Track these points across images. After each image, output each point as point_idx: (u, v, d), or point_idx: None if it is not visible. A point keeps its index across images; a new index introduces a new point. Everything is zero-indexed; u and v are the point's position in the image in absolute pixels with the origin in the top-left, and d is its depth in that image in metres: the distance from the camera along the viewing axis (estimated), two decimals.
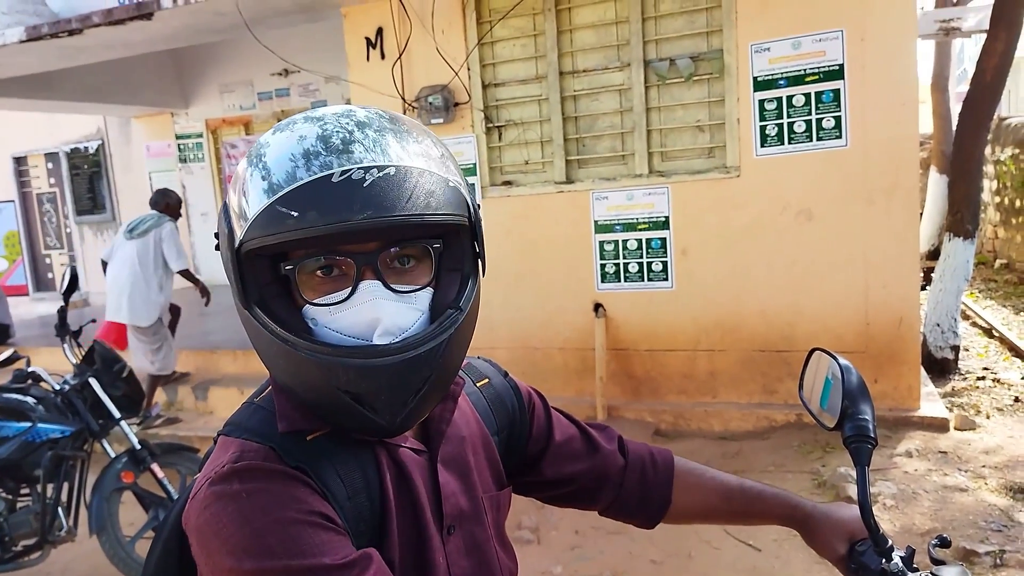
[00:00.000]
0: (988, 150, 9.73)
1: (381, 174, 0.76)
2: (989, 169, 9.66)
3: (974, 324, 6.68)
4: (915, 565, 0.98)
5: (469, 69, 4.85)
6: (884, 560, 0.97)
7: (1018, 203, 8.81)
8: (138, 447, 3.37)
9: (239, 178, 0.81)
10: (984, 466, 3.72)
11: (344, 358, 0.77)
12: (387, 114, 0.84)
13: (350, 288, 0.79)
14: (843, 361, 1.07)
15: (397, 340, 0.79)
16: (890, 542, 0.99)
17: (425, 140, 0.83)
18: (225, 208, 0.83)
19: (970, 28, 6.93)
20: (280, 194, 0.75)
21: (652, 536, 3.32)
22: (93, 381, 3.39)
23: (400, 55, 4.91)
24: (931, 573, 0.95)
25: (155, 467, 3.36)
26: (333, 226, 0.74)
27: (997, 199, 9.44)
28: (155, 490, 3.43)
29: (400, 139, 0.80)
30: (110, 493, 3.32)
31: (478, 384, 1.07)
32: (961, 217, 5.18)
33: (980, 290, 8.10)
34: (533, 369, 4.98)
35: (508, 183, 4.96)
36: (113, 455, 3.42)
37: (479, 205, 0.88)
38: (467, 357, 1.11)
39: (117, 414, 3.38)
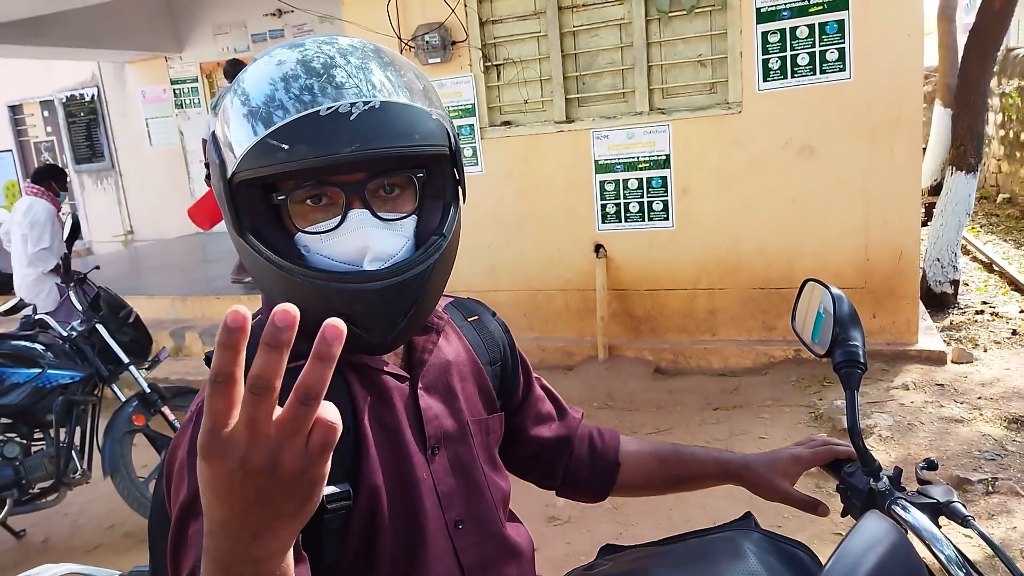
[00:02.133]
0: (994, 82, 9.57)
1: (367, 107, 0.79)
2: (995, 102, 9.52)
3: (974, 259, 6.69)
4: (902, 484, 1.01)
5: (466, 6, 4.75)
6: (872, 480, 1.01)
7: (1023, 136, 8.70)
8: (147, 391, 3.43)
9: (227, 110, 0.83)
10: (980, 398, 3.77)
11: (338, 283, 0.82)
12: (372, 45, 0.86)
13: (340, 217, 0.83)
14: (835, 290, 1.09)
15: (386, 265, 0.84)
16: (877, 463, 1.02)
17: (408, 73, 0.86)
18: (214, 139, 0.84)
19: None
20: (272, 128, 0.78)
21: None
22: (100, 327, 3.43)
23: None
24: (917, 491, 0.99)
25: (165, 410, 3.42)
26: (323, 159, 0.78)
27: (1002, 132, 9.33)
28: (167, 432, 3.50)
29: (384, 71, 0.83)
30: (122, 436, 3.39)
31: (468, 319, 1.11)
32: (964, 150, 5.13)
33: (981, 224, 8.08)
34: (535, 311, 5.02)
35: (507, 123, 4.91)
36: (123, 399, 3.48)
37: (458, 134, 0.90)
38: (456, 296, 1.14)
39: (125, 359, 3.43)
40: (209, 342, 5.76)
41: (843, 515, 1.07)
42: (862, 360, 1.03)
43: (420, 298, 0.86)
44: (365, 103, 0.79)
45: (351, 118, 0.78)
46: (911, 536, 0.95)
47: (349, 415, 0.89)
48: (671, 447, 1.22)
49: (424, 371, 0.98)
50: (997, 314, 5.12)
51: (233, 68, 6.00)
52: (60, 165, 5.66)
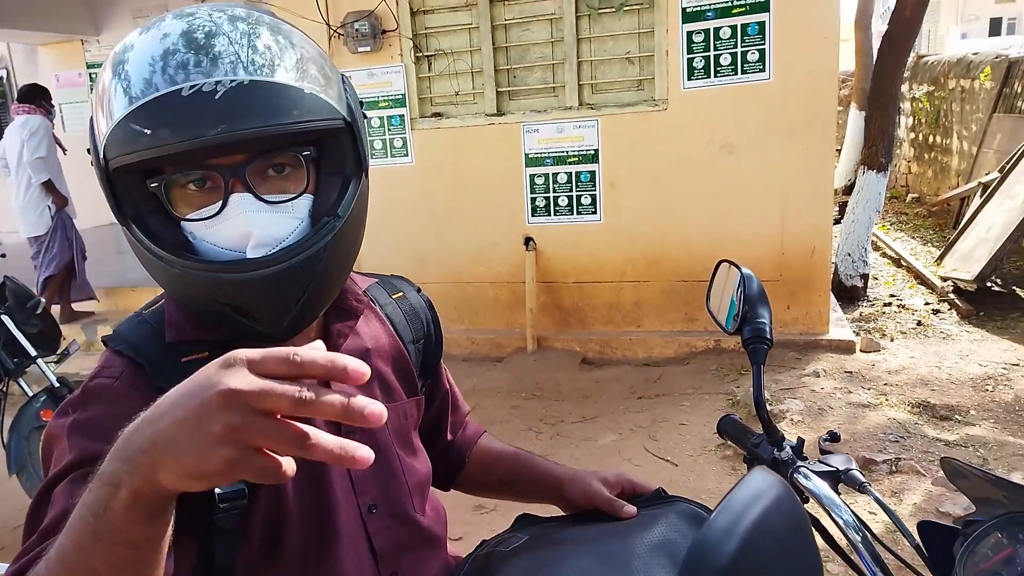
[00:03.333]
0: (906, 87, 10.06)
1: (233, 85, 0.74)
2: (906, 106, 10.01)
3: (884, 254, 7.03)
4: (804, 455, 1.07)
5: None
6: (776, 450, 1.06)
7: (931, 139, 9.18)
8: (56, 385, 3.29)
9: (100, 87, 0.78)
10: (887, 384, 3.98)
11: (218, 273, 0.78)
12: (266, 18, 0.82)
13: (221, 202, 0.78)
14: (745, 270, 1.14)
15: (272, 252, 0.79)
16: (780, 433, 1.08)
17: (289, 39, 0.81)
18: (91, 122, 0.80)
19: None
20: (130, 109, 0.74)
21: (578, 458, 3.46)
22: (5, 318, 3.28)
23: None
24: (819, 460, 1.05)
25: None
26: (186, 143, 0.73)
27: (912, 135, 9.82)
28: None
29: (259, 38, 0.77)
30: (29, 432, 3.25)
31: (393, 296, 1.10)
32: (876, 150, 5.39)
33: (892, 223, 8.49)
34: (465, 303, 5.03)
35: (438, 115, 4.89)
36: (31, 394, 3.33)
37: (362, 103, 0.89)
38: (381, 276, 1.14)
39: (33, 352, 3.29)
40: None
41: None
42: (768, 336, 1.08)
43: (314, 283, 0.81)
44: (232, 81, 0.73)
45: (215, 97, 0.73)
46: (813, 504, 1.01)
47: None
48: (527, 458, 1.21)
49: None
50: (904, 306, 5.40)
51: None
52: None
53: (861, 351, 4.47)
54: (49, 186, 5.46)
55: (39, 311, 3.42)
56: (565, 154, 4.67)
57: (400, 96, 4.86)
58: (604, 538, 0.99)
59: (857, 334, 4.72)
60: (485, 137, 4.79)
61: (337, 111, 0.82)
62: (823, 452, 1.09)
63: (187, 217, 0.80)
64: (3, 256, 3.93)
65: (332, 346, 0.94)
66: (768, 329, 1.09)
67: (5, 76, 10.30)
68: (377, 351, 1.01)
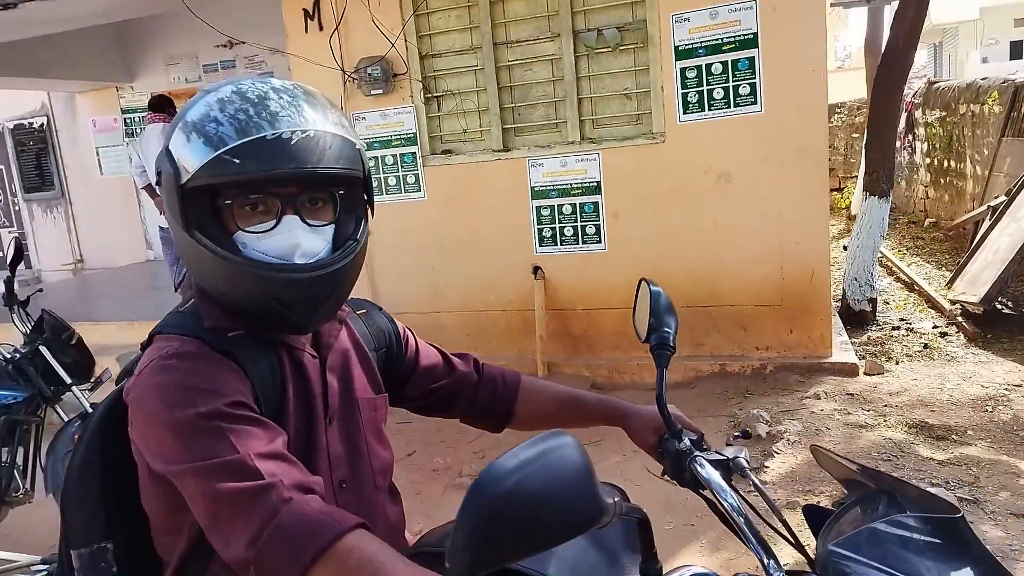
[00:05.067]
0: (919, 113, 10.14)
1: (304, 135, 1.00)
2: (921, 132, 10.08)
3: (898, 279, 7.07)
4: (704, 445, 1.22)
5: (406, 40, 4.99)
6: (676, 442, 1.22)
7: (945, 164, 9.22)
8: (90, 411, 3.51)
9: (185, 128, 1.01)
10: (887, 406, 4.05)
11: (276, 273, 1.03)
12: (301, 86, 1.08)
13: (275, 220, 1.03)
14: (654, 287, 1.31)
15: (312, 261, 1.05)
16: (679, 428, 1.23)
17: (332, 108, 1.08)
18: (168, 153, 1.02)
19: None
20: (228, 147, 0.98)
21: None
22: (43, 349, 3.50)
23: (337, 26, 5.02)
24: (715, 451, 1.20)
25: None
26: (268, 173, 0.99)
27: (927, 160, 9.86)
28: None
29: (313, 106, 1.04)
30: (64, 455, 3.46)
31: (358, 312, 1.32)
32: (877, 176, 5.50)
33: (908, 248, 8.52)
34: (478, 331, 5.20)
35: (448, 152, 5.13)
36: (66, 419, 3.56)
37: (373, 162, 1.11)
38: (355, 299, 1.34)
39: (68, 379, 3.52)
40: None
41: (662, 475, 1.28)
42: (671, 344, 1.25)
43: (337, 289, 1.09)
44: (303, 131, 1.00)
45: (292, 142, 0.99)
46: (708, 492, 1.16)
47: (279, 378, 1.09)
48: (570, 395, 1.45)
49: (329, 354, 1.17)
50: (912, 330, 5.45)
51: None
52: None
53: (865, 374, 4.54)
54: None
55: (74, 341, 3.66)
56: (569, 186, 4.86)
57: (411, 135, 5.11)
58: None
59: (862, 357, 4.80)
60: (493, 172, 5.01)
61: (363, 164, 1.10)
62: (728, 446, 1.24)
63: (247, 229, 1.03)
64: (40, 291, 4.20)
65: (324, 343, 1.18)
66: (672, 337, 1.26)
67: (46, 123, 10.83)
68: (351, 354, 1.24)
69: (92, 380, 3.72)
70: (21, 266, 3.88)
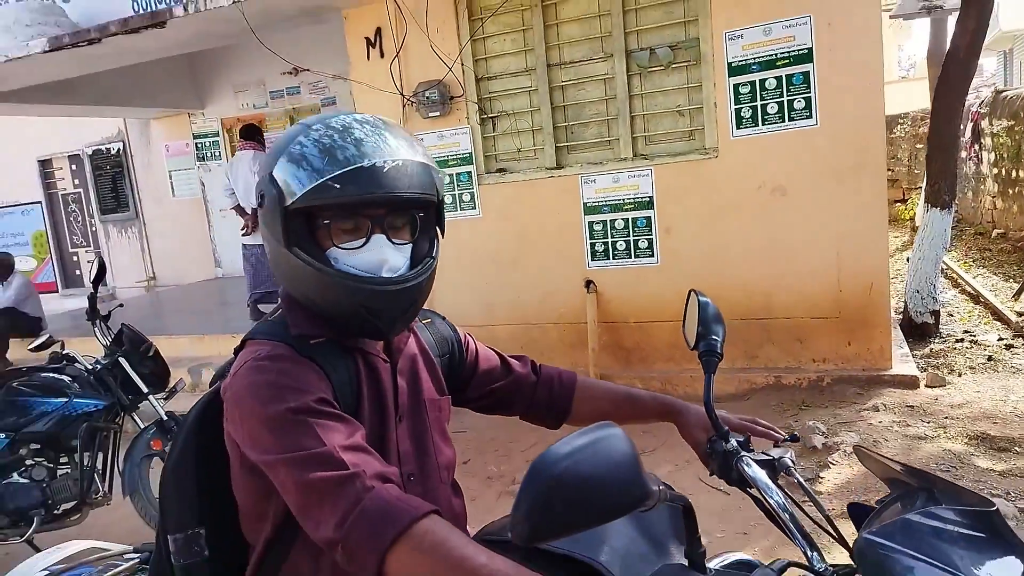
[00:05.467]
0: (986, 122, 9.87)
1: (394, 164, 1.12)
2: (988, 142, 9.80)
3: (963, 291, 6.90)
4: (751, 446, 1.29)
5: (463, 64, 5.15)
6: (724, 443, 1.28)
7: (1014, 174, 8.95)
8: (165, 418, 3.73)
9: (290, 157, 1.14)
10: (948, 418, 3.98)
11: (365, 284, 1.15)
12: (381, 119, 1.20)
13: (365, 239, 1.15)
14: (703, 298, 1.38)
15: (396, 275, 1.17)
16: (726, 429, 1.30)
17: (413, 139, 1.20)
18: (271, 178, 1.15)
19: (952, 6, 7.09)
20: (332, 175, 1.10)
21: None
22: (123, 360, 3.74)
23: (397, 53, 5.22)
24: (762, 452, 1.26)
25: None
26: (364, 197, 1.11)
27: (995, 171, 9.58)
28: None
29: (396, 136, 1.16)
30: (141, 459, 3.68)
31: (423, 322, 1.43)
32: (939, 188, 5.41)
33: (975, 259, 8.30)
34: (531, 344, 5.29)
35: (502, 170, 5.26)
36: (143, 426, 3.78)
37: (449, 183, 1.23)
38: (423, 310, 1.44)
39: (145, 389, 3.74)
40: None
41: (710, 474, 1.34)
42: (719, 351, 1.32)
43: (416, 301, 1.21)
44: (393, 160, 1.12)
45: (384, 170, 1.11)
46: (755, 491, 1.22)
47: (356, 380, 1.21)
48: (624, 392, 1.54)
49: (399, 359, 1.28)
50: (976, 342, 5.32)
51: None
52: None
53: (926, 386, 4.46)
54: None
55: (151, 353, 3.88)
56: (621, 202, 4.93)
57: (467, 155, 5.26)
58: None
59: (924, 370, 4.72)
60: (546, 189, 5.12)
61: (438, 192, 1.20)
62: (775, 447, 1.30)
63: (341, 245, 1.15)
64: (121, 306, 4.46)
65: (395, 348, 1.29)
66: (719, 345, 1.33)
67: (122, 148, 11.40)
68: (420, 357, 1.35)
69: (167, 390, 3.95)
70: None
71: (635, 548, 1.22)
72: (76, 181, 12.13)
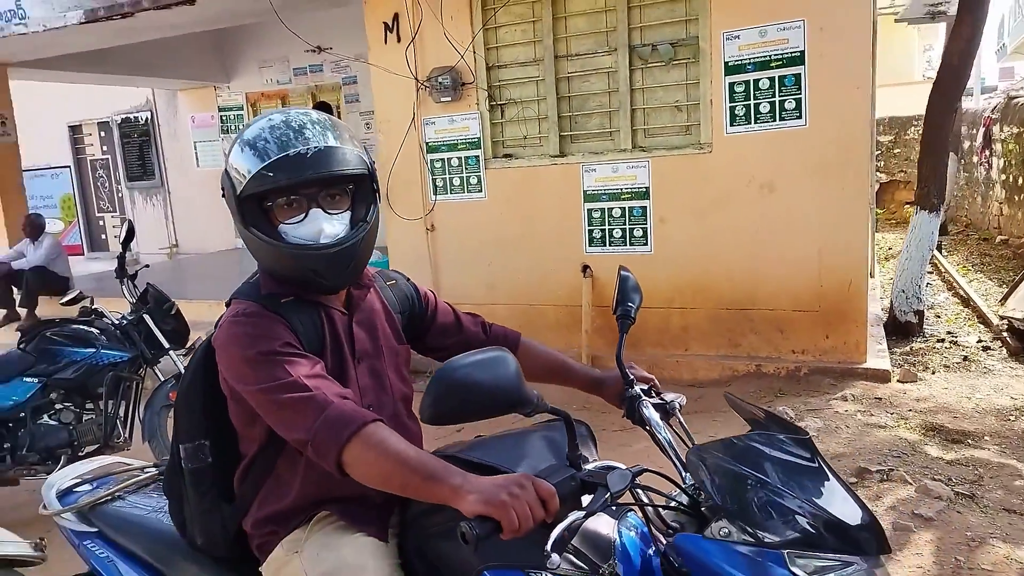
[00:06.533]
0: (996, 128, 9.96)
1: (317, 150, 1.40)
2: (997, 147, 9.90)
3: (956, 293, 7.09)
4: (654, 392, 1.56)
5: (475, 52, 5.40)
6: (628, 388, 1.56)
7: (1021, 181, 9.06)
8: (183, 372, 4.05)
9: (240, 150, 1.42)
10: (910, 410, 4.22)
11: (310, 251, 1.42)
12: (326, 116, 1.48)
13: (304, 214, 1.43)
14: (624, 273, 1.66)
15: (332, 240, 1.43)
16: (632, 378, 1.58)
17: (337, 128, 1.46)
18: (227, 172, 1.45)
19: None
20: (264, 164, 1.39)
21: (612, 458, 3.90)
22: (147, 317, 4.06)
23: (412, 39, 5.48)
24: (659, 396, 1.54)
25: None
26: (293, 180, 1.39)
27: (1003, 177, 9.69)
28: None
29: (317, 129, 1.42)
30: (159, 409, 4.01)
31: (388, 283, 1.71)
32: (928, 191, 5.60)
33: (974, 263, 8.45)
34: (528, 324, 5.56)
35: (508, 156, 5.53)
36: (162, 379, 4.11)
37: (374, 162, 1.49)
38: (381, 270, 1.72)
39: (167, 344, 4.06)
40: None
41: (623, 416, 1.62)
42: (632, 316, 1.59)
43: (356, 259, 1.47)
44: (316, 147, 1.40)
45: (307, 156, 1.38)
46: (651, 430, 1.49)
47: (319, 330, 1.48)
48: (561, 360, 1.79)
49: (357, 311, 1.56)
50: (956, 343, 5.53)
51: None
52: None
53: (898, 381, 4.69)
54: None
55: (173, 312, 4.20)
56: (619, 191, 5.18)
57: (476, 139, 5.52)
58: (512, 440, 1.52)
59: (900, 366, 4.95)
60: (549, 176, 5.38)
61: (366, 165, 1.47)
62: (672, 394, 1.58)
63: (285, 222, 1.43)
64: (147, 267, 4.79)
65: (354, 303, 1.56)
66: (633, 310, 1.60)
67: (149, 117, 11.76)
68: (379, 313, 1.63)
69: (187, 347, 4.27)
70: None
71: (543, 460, 1.50)
72: (104, 147, 12.53)
